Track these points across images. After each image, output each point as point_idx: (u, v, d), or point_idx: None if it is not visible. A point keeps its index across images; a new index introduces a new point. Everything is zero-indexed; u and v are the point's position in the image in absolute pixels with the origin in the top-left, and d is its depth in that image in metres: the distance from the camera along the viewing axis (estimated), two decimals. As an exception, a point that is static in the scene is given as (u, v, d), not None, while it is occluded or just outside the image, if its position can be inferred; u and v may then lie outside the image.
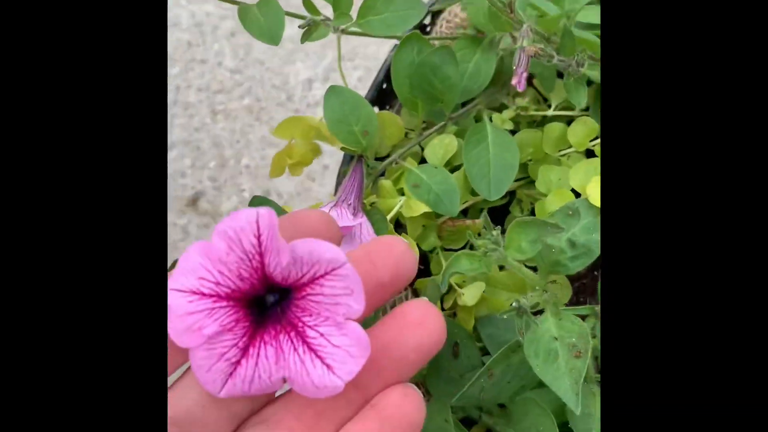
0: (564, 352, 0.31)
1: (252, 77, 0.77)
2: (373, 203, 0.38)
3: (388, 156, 0.41)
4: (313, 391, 0.25)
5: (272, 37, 0.36)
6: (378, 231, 0.36)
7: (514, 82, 0.32)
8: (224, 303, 0.24)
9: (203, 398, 0.26)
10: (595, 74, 0.37)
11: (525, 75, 0.32)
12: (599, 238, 0.32)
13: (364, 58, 0.76)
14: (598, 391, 0.34)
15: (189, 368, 0.26)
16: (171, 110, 0.75)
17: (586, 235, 0.32)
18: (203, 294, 0.24)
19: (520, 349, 0.33)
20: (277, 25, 0.36)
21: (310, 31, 0.37)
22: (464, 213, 0.41)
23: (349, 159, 0.41)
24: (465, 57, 0.39)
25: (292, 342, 0.25)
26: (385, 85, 0.46)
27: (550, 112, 0.41)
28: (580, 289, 0.42)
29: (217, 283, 0.24)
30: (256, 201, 0.30)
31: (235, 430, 0.26)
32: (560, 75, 0.40)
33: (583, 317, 0.33)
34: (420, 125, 0.41)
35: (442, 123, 0.39)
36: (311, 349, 0.25)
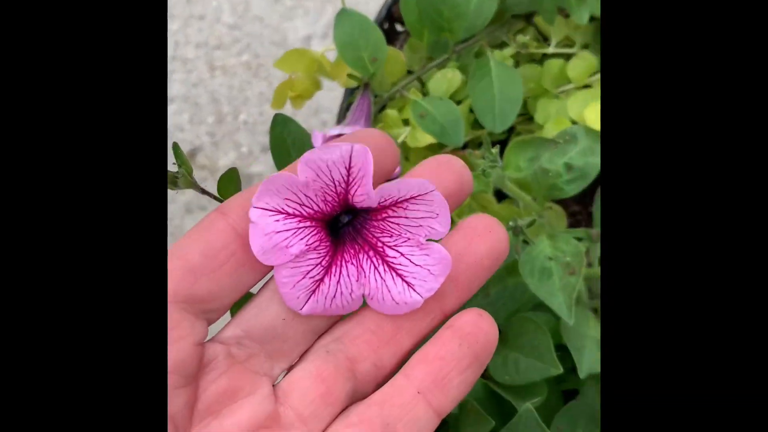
0: (558, 270, 0.32)
1: (250, 33, 0.77)
2: (379, 133, 0.39)
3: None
4: (392, 307, 0.26)
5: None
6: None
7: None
8: (308, 223, 0.25)
9: (284, 312, 0.26)
10: (596, 9, 0.37)
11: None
12: (597, 162, 0.33)
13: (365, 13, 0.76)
14: (592, 316, 0.35)
15: (265, 285, 0.27)
16: (170, 65, 0.74)
17: (583, 159, 0.33)
18: (288, 214, 0.24)
19: (516, 272, 0.34)
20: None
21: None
22: (464, 148, 0.41)
23: (350, 92, 0.42)
24: (468, -7, 0.40)
25: (371, 261, 0.26)
26: (387, 25, 0.47)
27: (551, 50, 0.41)
28: (573, 225, 0.43)
29: (302, 204, 0.24)
30: (279, 120, 0.30)
31: (311, 347, 0.27)
32: (560, 12, 0.41)
33: (579, 239, 0.34)
34: (423, 59, 0.41)
35: (445, 57, 0.40)
36: (392, 268, 0.26)
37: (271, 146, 0.31)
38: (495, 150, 0.32)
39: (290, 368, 0.27)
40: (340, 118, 0.42)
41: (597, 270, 0.37)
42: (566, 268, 0.32)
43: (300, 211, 0.25)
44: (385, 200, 0.25)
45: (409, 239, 0.25)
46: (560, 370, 0.31)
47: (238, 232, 0.25)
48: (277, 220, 0.24)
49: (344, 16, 0.37)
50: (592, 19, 0.39)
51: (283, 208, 0.24)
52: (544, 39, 0.43)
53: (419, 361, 0.26)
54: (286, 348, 0.26)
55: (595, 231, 0.33)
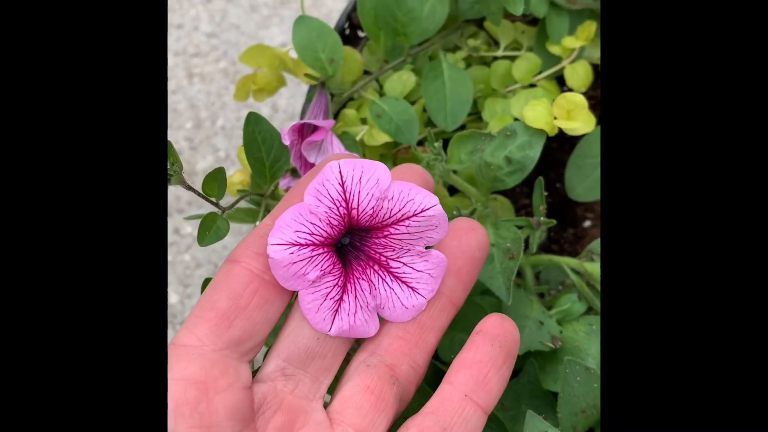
0: (499, 255, 0.34)
1: (228, 41, 0.79)
2: (344, 132, 0.41)
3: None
4: (402, 312, 0.29)
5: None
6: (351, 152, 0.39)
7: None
8: (321, 250, 0.27)
9: (317, 332, 0.29)
10: (542, 10, 0.40)
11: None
12: (533, 155, 0.35)
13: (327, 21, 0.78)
14: (536, 299, 0.38)
15: (289, 316, 0.29)
16: (148, 72, 0.76)
17: (522, 152, 0.35)
18: (300, 244, 0.27)
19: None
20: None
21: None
22: (418, 145, 0.44)
23: (311, 88, 0.44)
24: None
25: (378, 274, 0.29)
26: (348, 32, 0.49)
27: (500, 53, 0.44)
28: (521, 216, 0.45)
29: (311, 233, 0.27)
30: (251, 118, 0.33)
31: (350, 367, 0.29)
32: (507, 16, 0.43)
33: (520, 227, 0.36)
34: (380, 61, 0.44)
35: (400, 59, 0.42)
36: (396, 277, 0.29)
37: (244, 143, 0.33)
38: (438, 144, 0.34)
39: (334, 388, 0.29)
40: (302, 115, 0.45)
41: (545, 257, 0.39)
42: (506, 253, 0.34)
43: (311, 240, 0.27)
44: (389, 217, 0.27)
45: (409, 250, 0.28)
46: (497, 346, 0.33)
47: (254, 272, 0.27)
48: (292, 252, 0.27)
49: (302, 21, 0.40)
50: (535, 20, 0.41)
51: (295, 241, 0.27)
52: (495, 43, 0.46)
53: (459, 368, 0.29)
54: (326, 363, 0.29)
55: (535, 219, 0.36)
